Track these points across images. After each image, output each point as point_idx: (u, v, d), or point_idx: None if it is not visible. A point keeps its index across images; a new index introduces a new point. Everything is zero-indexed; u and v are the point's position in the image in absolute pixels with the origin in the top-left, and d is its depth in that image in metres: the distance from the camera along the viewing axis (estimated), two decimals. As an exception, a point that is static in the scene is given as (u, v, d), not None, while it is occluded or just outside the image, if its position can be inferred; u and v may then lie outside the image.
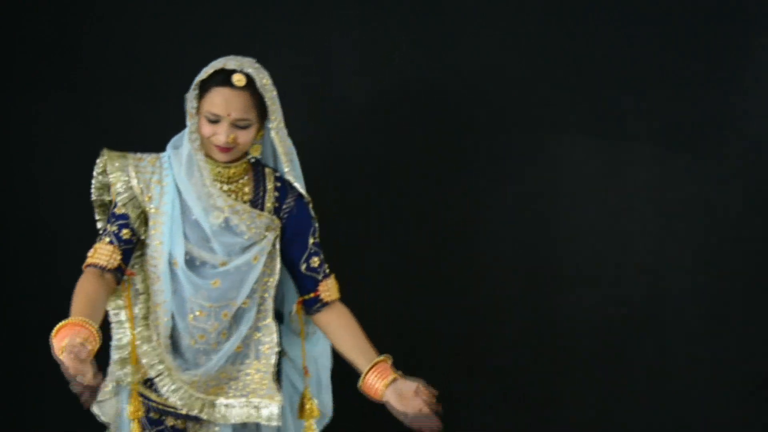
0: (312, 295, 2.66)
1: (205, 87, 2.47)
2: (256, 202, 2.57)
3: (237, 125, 2.46)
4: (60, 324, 2.19)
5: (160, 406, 2.60)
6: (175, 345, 2.57)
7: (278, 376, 2.69)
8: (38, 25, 3.48)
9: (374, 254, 3.61)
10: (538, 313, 3.65)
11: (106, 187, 2.59)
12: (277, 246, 2.60)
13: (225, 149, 2.47)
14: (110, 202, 2.60)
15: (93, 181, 2.60)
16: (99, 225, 2.65)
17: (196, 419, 2.61)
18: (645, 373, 3.65)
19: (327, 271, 2.67)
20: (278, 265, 2.61)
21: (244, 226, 2.51)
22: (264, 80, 2.48)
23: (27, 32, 3.48)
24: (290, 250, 2.63)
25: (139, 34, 3.51)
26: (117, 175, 2.52)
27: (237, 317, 2.57)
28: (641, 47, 3.55)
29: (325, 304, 2.65)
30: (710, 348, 3.64)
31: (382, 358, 2.51)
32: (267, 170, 2.64)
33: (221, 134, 2.45)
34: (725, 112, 3.56)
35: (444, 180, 3.58)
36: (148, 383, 2.59)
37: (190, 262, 2.51)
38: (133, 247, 2.53)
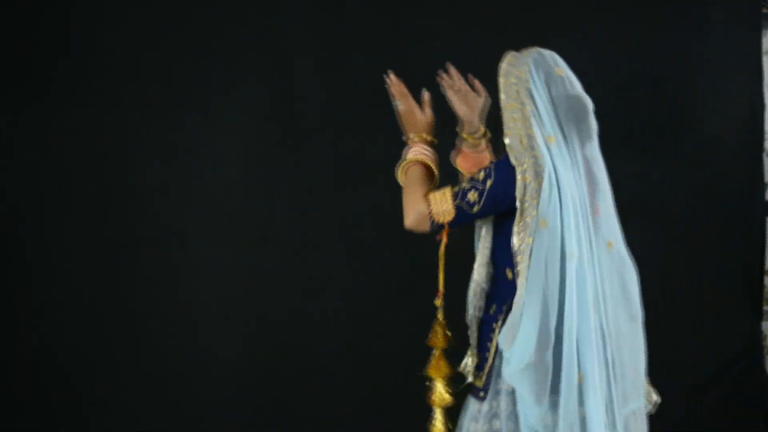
0: None
1: None
2: None
3: None
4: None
5: None
6: None
7: None
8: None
9: (348, 252, 3.67)
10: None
11: None
12: None
13: None
14: None
15: None
16: None
17: None
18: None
19: None
20: None
21: None
22: None
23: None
24: None
25: (122, 43, 3.55)
26: None
27: None
28: (593, 48, 3.60)
29: None
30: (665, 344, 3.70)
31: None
32: None
33: None
34: (678, 113, 3.65)
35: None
36: None
37: None
38: None
